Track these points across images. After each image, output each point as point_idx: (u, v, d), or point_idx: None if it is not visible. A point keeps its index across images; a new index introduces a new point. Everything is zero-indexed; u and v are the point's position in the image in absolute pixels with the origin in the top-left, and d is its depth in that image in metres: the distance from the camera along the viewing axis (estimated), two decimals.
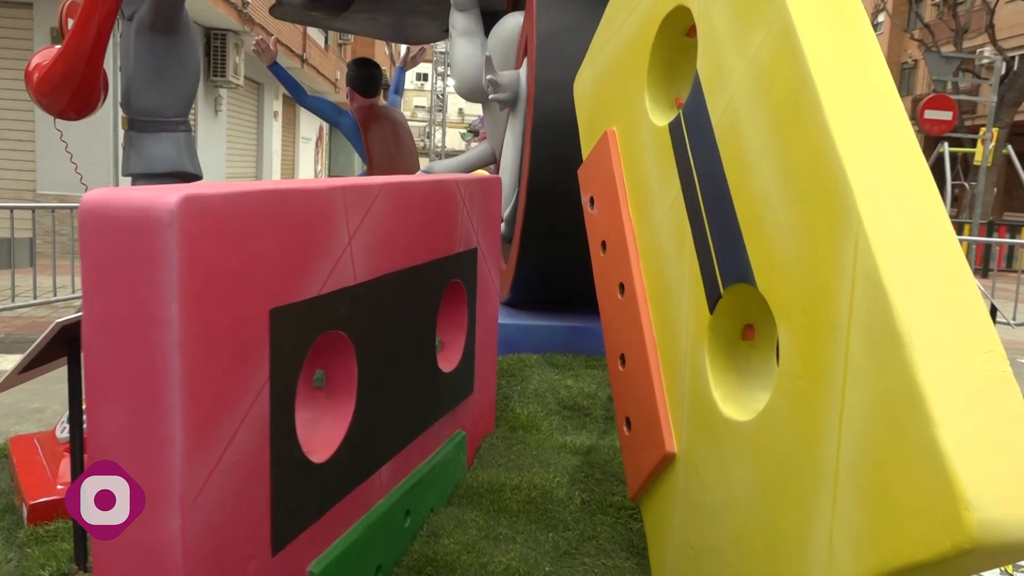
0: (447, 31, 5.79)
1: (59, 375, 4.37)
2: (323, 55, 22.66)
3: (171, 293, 1.22)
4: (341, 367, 1.78)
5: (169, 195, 1.22)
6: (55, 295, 5.47)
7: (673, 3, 1.97)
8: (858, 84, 1.45)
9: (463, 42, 4.01)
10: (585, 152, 2.50)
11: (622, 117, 2.24)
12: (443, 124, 27.75)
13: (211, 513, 1.33)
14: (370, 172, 5.26)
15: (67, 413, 2.69)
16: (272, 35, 4.80)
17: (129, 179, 2.69)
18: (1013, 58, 20.81)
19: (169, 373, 1.23)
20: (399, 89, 5.93)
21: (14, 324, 5.74)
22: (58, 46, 2.50)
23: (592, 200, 2.38)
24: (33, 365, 1.92)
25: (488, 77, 3.42)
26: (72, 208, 7.09)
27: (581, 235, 3.45)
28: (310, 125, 26.42)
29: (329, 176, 33.19)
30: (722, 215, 1.69)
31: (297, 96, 5.38)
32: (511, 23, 3.70)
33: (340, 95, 28.98)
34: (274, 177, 20.72)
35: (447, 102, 29.17)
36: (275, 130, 20.23)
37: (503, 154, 3.72)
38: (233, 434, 1.37)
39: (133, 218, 1.22)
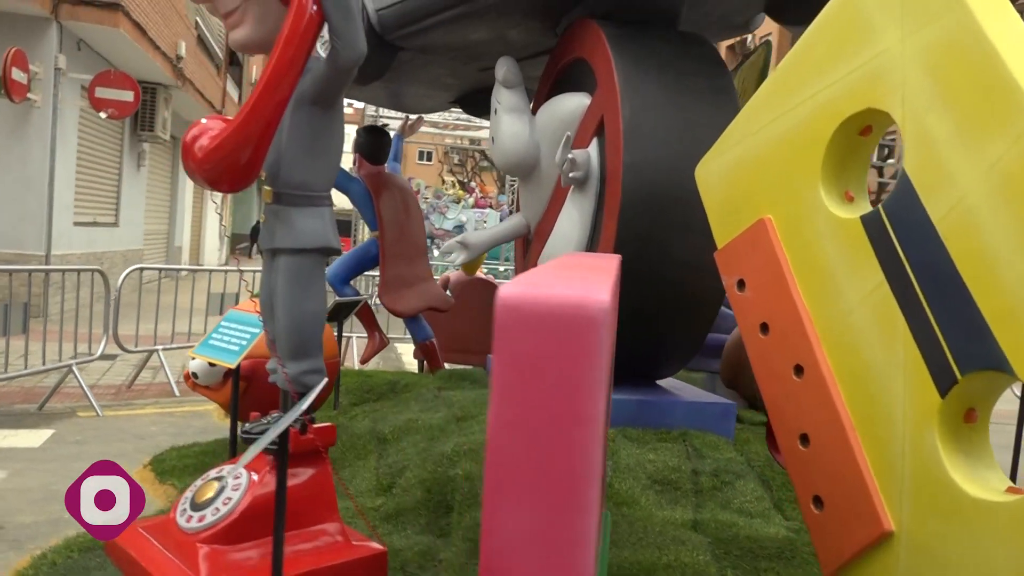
0: (454, 102, 5.88)
1: (72, 453, 4.06)
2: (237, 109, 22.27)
3: (599, 390, 1.23)
4: None
5: (597, 291, 1.23)
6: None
7: (861, 105, 2.11)
8: None
9: (511, 118, 4.09)
10: (721, 236, 2.60)
11: (783, 206, 2.36)
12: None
13: None
14: (381, 239, 5.21)
15: (188, 496, 2.52)
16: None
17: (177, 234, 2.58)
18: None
19: (590, 472, 1.23)
20: (398, 156, 5.95)
21: None
22: (206, 117, 2.41)
23: (742, 283, 2.48)
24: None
25: (569, 156, 3.51)
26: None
27: (662, 312, 3.56)
28: None
29: (231, 234, 32.24)
30: (954, 305, 1.82)
31: None
32: (573, 103, 3.81)
33: None
34: (185, 232, 19.97)
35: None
36: (188, 186, 19.59)
37: (561, 228, 3.79)
38: None
39: (566, 315, 1.22)
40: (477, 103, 5.66)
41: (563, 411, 1.25)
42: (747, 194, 2.51)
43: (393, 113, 10.90)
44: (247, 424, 2.65)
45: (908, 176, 1.97)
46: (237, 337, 3.16)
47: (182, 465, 3.57)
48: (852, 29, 2.18)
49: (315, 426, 2.56)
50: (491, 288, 6.19)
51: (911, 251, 1.95)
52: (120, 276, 5.81)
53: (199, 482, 2.57)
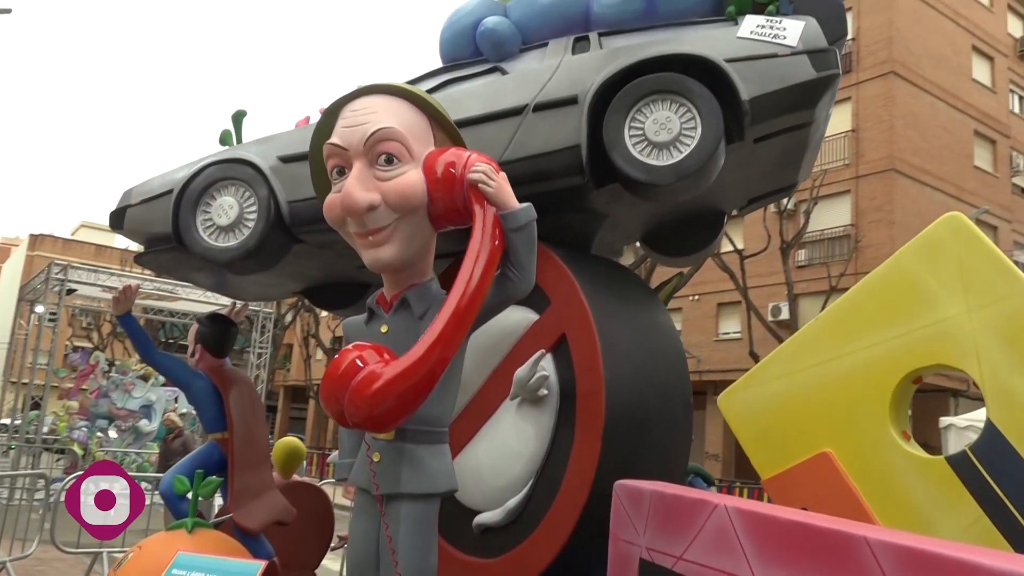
0: (298, 293, 5.53)
1: None
2: None
3: None
4: None
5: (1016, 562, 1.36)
6: None
7: (931, 361, 2.53)
8: None
9: None
10: (766, 466, 2.82)
11: (846, 442, 2.65)
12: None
13: None
14: (230, 443, 4.56)
15: None
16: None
17: None
18: None
19: None
20: None
21: None
22: (346, 351, 2.00)
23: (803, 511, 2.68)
24: None
25: (542, 374, 3.51)
26: None
27: None
28: None
29: None
30: None
31: (145, 351, 4.55)
32: (516, 316, 3.84)
33: None
34: None
35: None
36: None
37: (507, 443, 3.68)
38: None
39: None
40: (324, 295, 5.41)
41: None
42: (798, 428, 2.78)
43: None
44: None
45: (996, 425, 2.37)
46: None
47: None
48: (907, 294, 2.62)
49: None
50: (316, 493, 5.66)
51: (1009, 489, 2.32)
52: None
53: None
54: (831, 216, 21.59)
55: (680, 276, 4.86)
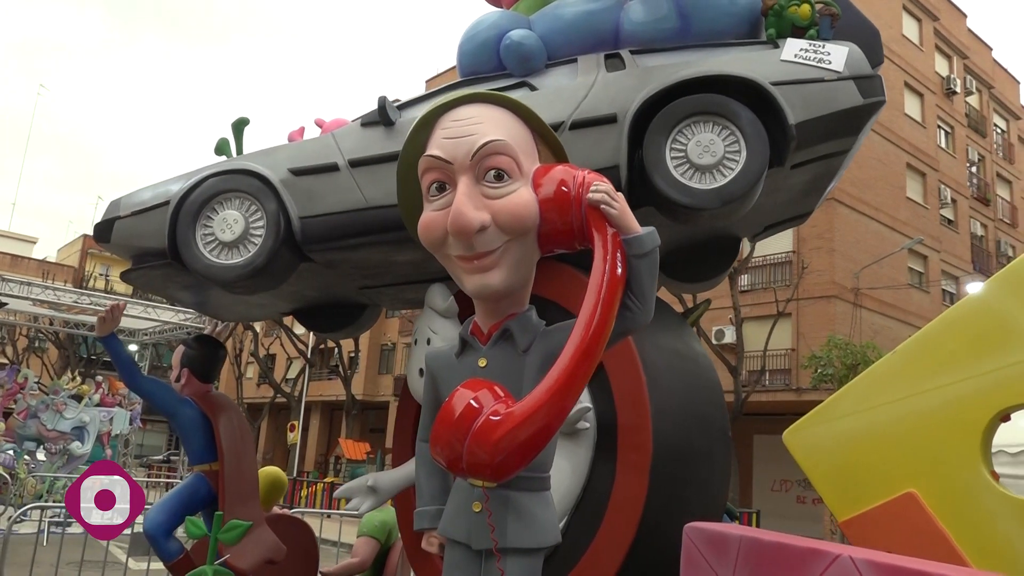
0: (289, 313, 5.20)
1: None
2: None
3: None
4: None
5: None
6: None
7: (1016, 401, 2.43)
8: None
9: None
10: (843, 506, 2.69)
11: (933, 483, 2.54)
12: None
13: None
14: (221, 476, 4.22)
15: None
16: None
17: None
18: None
19: None
20: None
21: None
22: (456, 396, 1.76)
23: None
24: None
25: (583, 405, 3.31)
26: None
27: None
28: None
29: None
30: None
31: (129, 377, 4.17)
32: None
33: None
34: None
35: None
36: None
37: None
38: None
39: None
40: (315, 316, 5.10)
41: None
42: (877, 467, 2.65)
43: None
44: None
45: None
46: None
47: None
48: (995, 329, 2.53)
49: None
50: (300, 527, 5.32)
51: None
52: None
53: None
54: (774, 242, 22.01)
55: (707, 304, 4.75)
